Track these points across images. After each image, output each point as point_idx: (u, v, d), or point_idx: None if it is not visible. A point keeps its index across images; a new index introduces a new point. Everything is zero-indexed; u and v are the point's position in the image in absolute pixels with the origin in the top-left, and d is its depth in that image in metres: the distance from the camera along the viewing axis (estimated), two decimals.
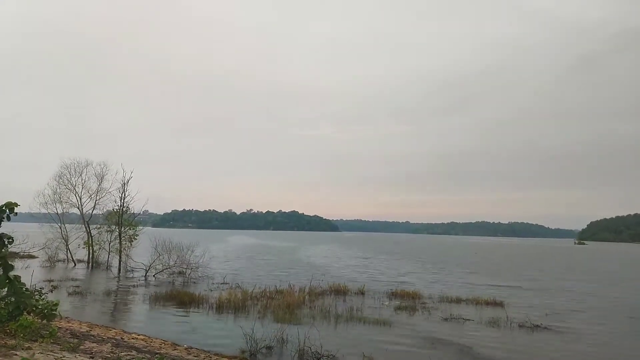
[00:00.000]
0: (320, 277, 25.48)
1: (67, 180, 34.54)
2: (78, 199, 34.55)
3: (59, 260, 33.91)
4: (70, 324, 11.78)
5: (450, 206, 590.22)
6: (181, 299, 17.79)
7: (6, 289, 6.72)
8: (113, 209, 32.84)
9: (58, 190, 34.52)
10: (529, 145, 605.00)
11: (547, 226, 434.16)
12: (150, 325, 13.93)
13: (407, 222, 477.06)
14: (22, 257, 33.99)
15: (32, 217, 35.14)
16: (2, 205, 6.26)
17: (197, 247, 29.46)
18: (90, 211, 34.58)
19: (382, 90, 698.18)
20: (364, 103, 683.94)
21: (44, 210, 34.69)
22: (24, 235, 28.48)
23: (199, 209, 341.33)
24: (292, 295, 18.86)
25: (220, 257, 45.02)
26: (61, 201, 34.62)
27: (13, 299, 6.80)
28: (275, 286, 21.29)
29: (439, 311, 17.36)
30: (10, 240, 6.39)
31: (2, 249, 6.34)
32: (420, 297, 20.36)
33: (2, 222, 6.42)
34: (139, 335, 11.88)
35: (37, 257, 34.58)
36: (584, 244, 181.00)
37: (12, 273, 6.66)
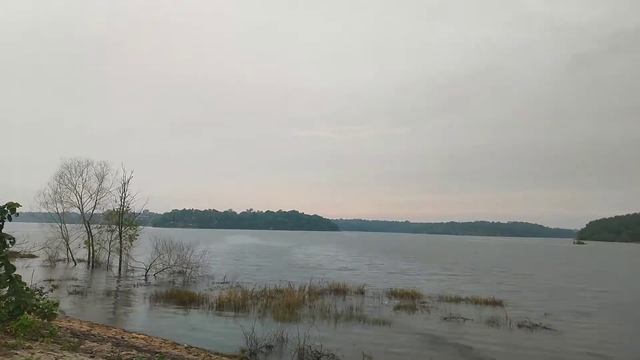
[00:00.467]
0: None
1: (68, 179, 34.61)
2: (78, 198, 34.61)
3: (59, 260, 33.95)
4: (70, 324, 11.81)
5: (449, 206, 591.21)
6: (181, 298, 17.82)
7: (7, 288, 6.75)
8: (113, 209, 32.88)
9: (59, 189, 34.61)
10: (528, 145, 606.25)
11: (546, 226, 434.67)
12: (150, 324, 13.96)
13: (406, 221, 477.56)
14: (23, 256, 34.01)
15: (32, 217, 35.15)
16: (4, 206, 6.29)
17: (197, 246, 29.46)
18: (91, 211, 34.63)
19: (380, 92, 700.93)
20: (362, 104, 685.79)
21: (44, 210, 34.79)
22: (24, 234, 28.50)
23: (199, 209, 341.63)
24: (292, 294, 18.90)
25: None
26: (62, 201, 34.69)
27: (14, 299, 6.83)
28: (275, 285, 21.33)
29: (438, 310, 17.39)
30: (11, 240, 6.42)
31: (4, 249, 6.37)
32: (420, 297, 20.39)
33: (4, 223, 6.44)
34: (139, 334, 11.90)
35: (38, 257, 34.61)
36: (583, 243, 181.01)
37: (12, 272, 6.69)
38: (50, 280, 22.85)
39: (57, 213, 34.79)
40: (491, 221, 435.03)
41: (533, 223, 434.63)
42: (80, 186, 34.70)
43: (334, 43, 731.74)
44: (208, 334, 12.75)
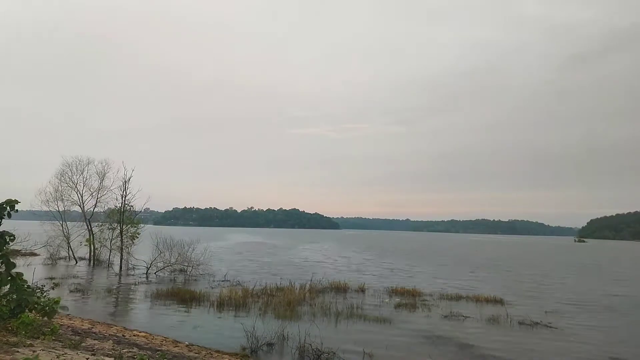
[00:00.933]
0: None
1: (69, 178, 34.62)
2: (79, 196, 34.62)
3: (60, 258, 34.04)
4: (71, 321, 11.82)
5: (450, 204, 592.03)
6: (182, 296, 17.85)
7: (8, 286, 6.75)
8: (114, 207, 32.89)
9: (60, 188, 34.63)
10: (528, 144, 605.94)
11: (547, 224, 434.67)
12: (151, 322, 13.99)
13: (407, 219, 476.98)
14: (24, 254, 34.12)
15: (33, 215, 35.22)
16: (3, 203, 6.28)
17: (197, 244, 29.47)
18: (92, 209, 34.65)
19: (380, 92, 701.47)
20: (362, 105, 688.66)
21: (45, 208, 34.85)
22: (25, 233, 28.54)
23: (200, 207, 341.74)
24: (293, 292, 18.92)
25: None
26: (63, 199, 34.73)
27: (15, 296, 6.84)
28: (276, 283, 21.35)
29: (439, 308, 17.40)
30: (11, 237, 6.42)
31: (4, 246, 6.37)
32: (421, 295, 20.41)
33: (3, 220, 6.44)
34: (140, 332, 11.93)
35: (39, 255, 34.70)
36: (584, 241, 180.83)
37: (14, 270, 6.70)
38: (51, 278, 22.89)
39: (58, 211, 34.85)
40: (492, 219, 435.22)
41: (534, 221, 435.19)
42: (81, 184, 34.76)
43: (333, 46, 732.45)
44: (209, 332, 12.78)
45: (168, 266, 27.11)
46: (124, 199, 31.29)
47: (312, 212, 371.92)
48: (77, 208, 35.28)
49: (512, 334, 13.65)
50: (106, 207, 34.61)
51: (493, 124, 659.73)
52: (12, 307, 6.88)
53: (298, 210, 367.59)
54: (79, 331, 10.00)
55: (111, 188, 34.01)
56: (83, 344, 7.71)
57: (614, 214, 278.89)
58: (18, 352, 5.62)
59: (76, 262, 33.03)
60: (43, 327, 7.49)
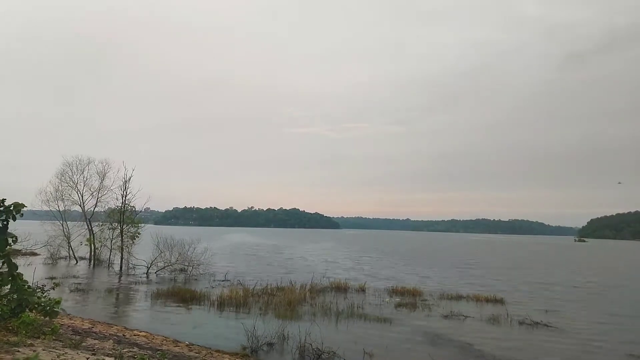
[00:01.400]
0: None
1: (69, 177, 34.62)
2: (80, 196, 34.62)
3: (61, 258, 34.06)
4: (72, 321, 11.83)
5: (450, 204, 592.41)
6: (183, 296, 17.87)
7: (9, 286, 6.76)
8: (115, 207, 32.90)
9: (60, 187, 34.63)
10: (528, 143, 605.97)
11: (547, 223, 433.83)
12: (152, 322, 14.00)
13: (407, 219, 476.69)
14: (25, 254, 34.11)
15: (34, 215, 35.18)
16: (9, 206, 6.28)
17: (198, 244, 29.47)
18: (92, 209, 34.66)
19: (380, 92, 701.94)
20: (362, 104, 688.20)
21: (46, 208, 34.85)
22: (26, 232, 28.54)
23: (200, 207, 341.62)
24: (293, 292, 18.92)
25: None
26: (63, 199, 34.73)
27: (15, 296, 6.84)
28: (277, 283, 21.35)
29: (439, 308, 17.40)
30: (14, 239, 6.42)
31: (6, 247, 6.37)
32: (421, 294, 20.41)
33: (8, 222, 6.44)
34: (140, 332, 11.93)
35: (39, 255, 34.70)
36: (584, 241, 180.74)
37: (14, 271, 6.70)
38: (51, 278, 22.82)
39: (59, 211, 34.86)
40: (492, 219, 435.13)
41: (534, 221, 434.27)
42: (82, 184, 34.76)
43: (333, 44, 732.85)
44: (209, 332, 12.79)
45: (168, 266, 27.13)
46: (124, 198, 31.30)
47: (312, 212, 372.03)
48: (77, 208, 35.32)
49: (512, 333, 13.66)
50: (106, 207, 34.61)
51: (493, 123, 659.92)
52: (13, 307, 6.88)
53: (298, 210, 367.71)
54: (80, 331, 10.01)
55: (111, 188, 34.03)
56: (83, 344, 7.72)
57: (614, 214, 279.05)
58: (19, 351, 5.63)
59: (76, 262, 33.06)
60: (43, 327, 7.50)
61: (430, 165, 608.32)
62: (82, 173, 34.77)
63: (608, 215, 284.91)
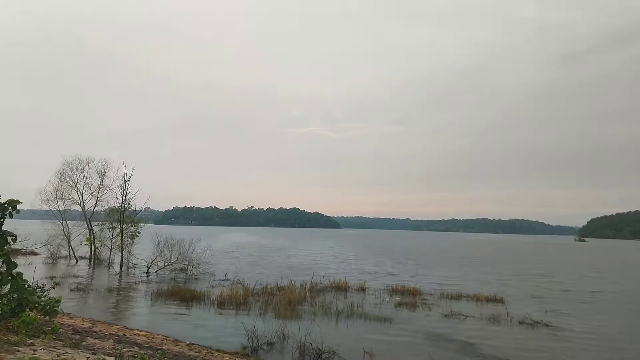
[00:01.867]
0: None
1: (69, 177, 34.58)
2: (80, 196, 34.59)
3: (61, 257, 34.06)
4: (72, 321, 11.83)
5: (450, 203, 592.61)
6: (183, 295, 17.86)
7: (9, 285, 6.75)
8: (115, 206, 32.89)
9: (60, 187, 34.60)
10: (528, 143, 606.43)
11: (547, 223, 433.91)
12: (152, 321, 13.99)
13: (407, 219, 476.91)
14: (25, 254, 34.12)
15: (34, 214, 35.23)
16: (4, 202, 6.28)
17: (198, 243, 29.47)
18: (92, 208, 34.65)
19: (379, 92, 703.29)
20: (362, 104, 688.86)
21: (45, 207, 34.83)
22: (26, 232, 28.56)
23: (200, 206, 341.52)
24: (293, 291, 18.92)
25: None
26: (63, 198, 34.70)
27: (15, 296, 6.84)
28: (277, 283, 21.35)
29: (439, 307, 17.40)
30: (13, 238, 6.41)
31: (5, 246, 6.36)
32: (421, 294, 20.41)
33: (5, 219, 6.44)
34: (141, 331, 11.92)
35: (39, 254, 34.70)
36: (584, 241, 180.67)
37: (14, 270, 6.69)
38: (51, 277, 22.88)
39: (59, 210, 34.84)
40: (492, 218, 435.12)
41: (534, 220, 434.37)
42: (82, 183, 34.70)
43: (332, 45, 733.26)
44: (209, 331, 12.78)
45: (168, 265, 27.13)
46: (124, 198, 31.30)
47: (312, 212, 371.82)
48: (77, 207, 35.28)
49: (512, 333, 13.66)
50: (106, 206, 34.60)
51: (493, 123, 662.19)
52: (13, 307, 6.87)
53: (298, 209, 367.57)
54: (80, 330, 10.01)
55: (111, 187, 34.03)
56: (84, 343, 7.72)
57: (614, 213, 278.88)
58: (19, 351, 5.62)
59: (76, 261, 33.06)
60: (44, 326, 7.49)
61: (430, 166, 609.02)
62: (82, 172, 34.75)
63: (608, 215, 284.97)
